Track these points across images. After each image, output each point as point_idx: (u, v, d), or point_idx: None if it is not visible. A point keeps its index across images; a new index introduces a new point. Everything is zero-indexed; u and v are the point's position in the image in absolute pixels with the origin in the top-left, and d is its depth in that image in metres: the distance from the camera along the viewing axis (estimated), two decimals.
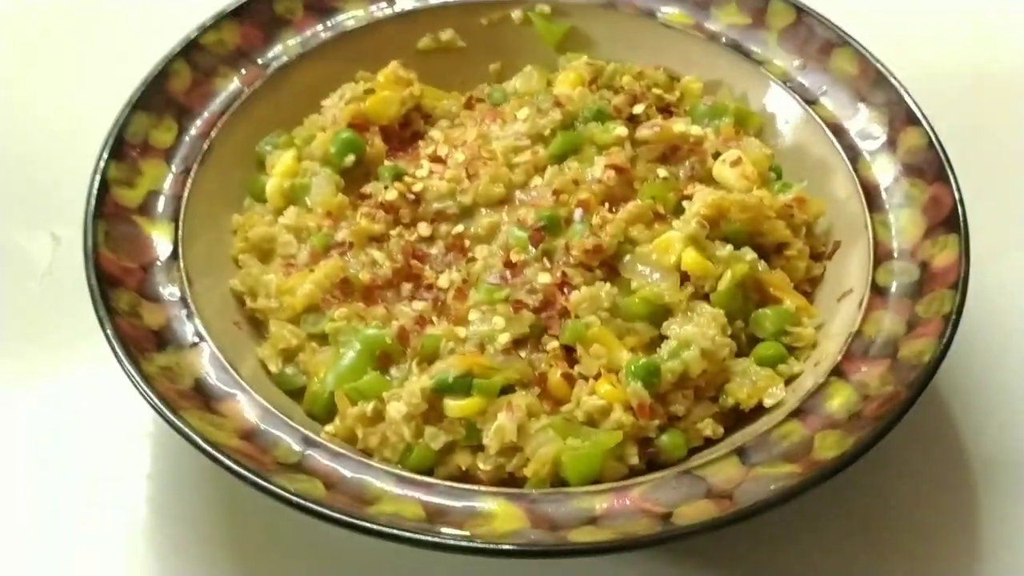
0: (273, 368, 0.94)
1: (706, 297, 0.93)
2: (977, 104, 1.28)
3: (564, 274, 0.93)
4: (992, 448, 0.99)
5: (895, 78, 1.04)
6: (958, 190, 0.96)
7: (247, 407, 0.87)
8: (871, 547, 0.93)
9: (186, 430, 0.82)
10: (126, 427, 0.98)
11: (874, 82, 1.05)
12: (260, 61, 1.08)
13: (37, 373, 1.03)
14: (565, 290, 0.93)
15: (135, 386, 0.85)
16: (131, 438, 0.98)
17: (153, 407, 0.84)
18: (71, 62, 1.28)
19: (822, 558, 0.92)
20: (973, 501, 0.96)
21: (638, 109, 1.06)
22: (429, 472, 0.87)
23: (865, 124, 1.04)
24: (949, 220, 0.95)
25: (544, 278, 0.93)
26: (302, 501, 0.79)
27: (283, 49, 1.09)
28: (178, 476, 0.95)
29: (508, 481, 0.87)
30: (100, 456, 0.97)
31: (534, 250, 0.95)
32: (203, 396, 0.87)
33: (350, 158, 1.01)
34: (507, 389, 0.89)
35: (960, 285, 0.91)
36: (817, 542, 0.93)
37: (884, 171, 1.01)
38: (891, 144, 1.02)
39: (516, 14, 1.14)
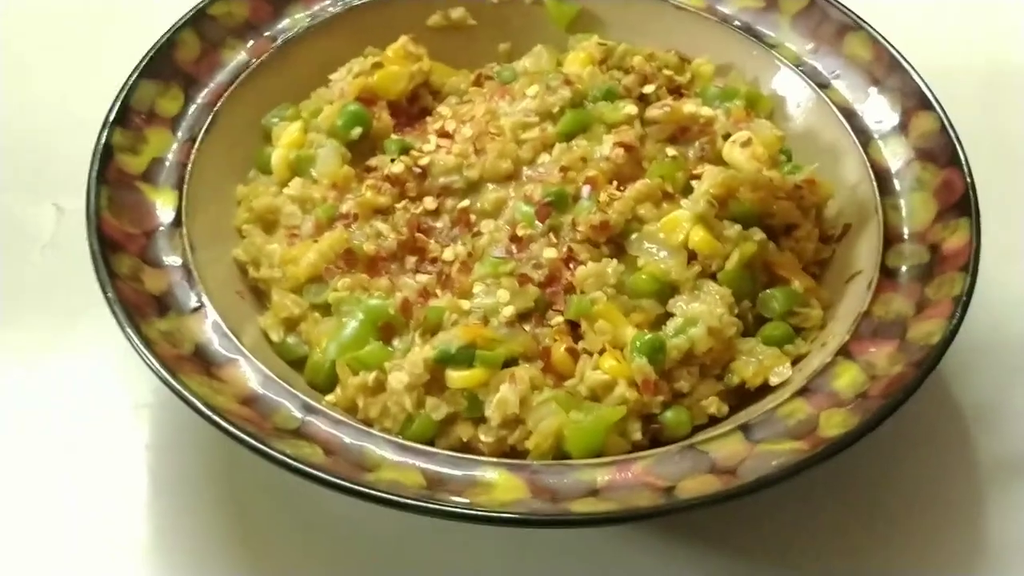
0: (275, 337, 0.93)
1: (713, 276, 0.92)
2: (990, 100, 1.27)
3: (570, 250, 0.92)
4: (994, 434, 0.98)
5: (908, 63, 1.03)
6: (970, 174, 0.95)
7: (248, 373, 0.86)
8: (872, 529, 0.92)
9: (185, 393, 0.81)
10: (127, 398, 0.97)
11: (888, 66, 1.04)
12: (268, 34, 1.07)
13: (38, 344, 1.02)
14: (571, 266, 0.92)
15: (135, 349, 0.84)
16: (132, 408, 0.97)
17: (153, 370, 0.83)
18: (77, 33, 1.27)
19: (822, 538, 0.91)
20: (975, 485, 0.95)
21: (648, 89, 1.05)
22: (430, 443, 0.85)
23: (877, 108, 1.02)
24: (960, 204, 0.94)
25: (550, 253, 0.92)
26: (301, 466, 0.78)
27: (292, 22, 1.08)
28: (179, 446, 0.95)
29: (509, 454, 0.85)
30: (101, 426, 0.96)
31: (540, 225, 0.93)
32: (204, 361, 0.86)
33: (356, 130, 1.00)
34: (510, 362, 0.87)
35: (971, 267, 0.90)
36: (817, 522, 0.92)
37: (896, 155, 1.00)
38: (903, 128, 1.01)
39: None
